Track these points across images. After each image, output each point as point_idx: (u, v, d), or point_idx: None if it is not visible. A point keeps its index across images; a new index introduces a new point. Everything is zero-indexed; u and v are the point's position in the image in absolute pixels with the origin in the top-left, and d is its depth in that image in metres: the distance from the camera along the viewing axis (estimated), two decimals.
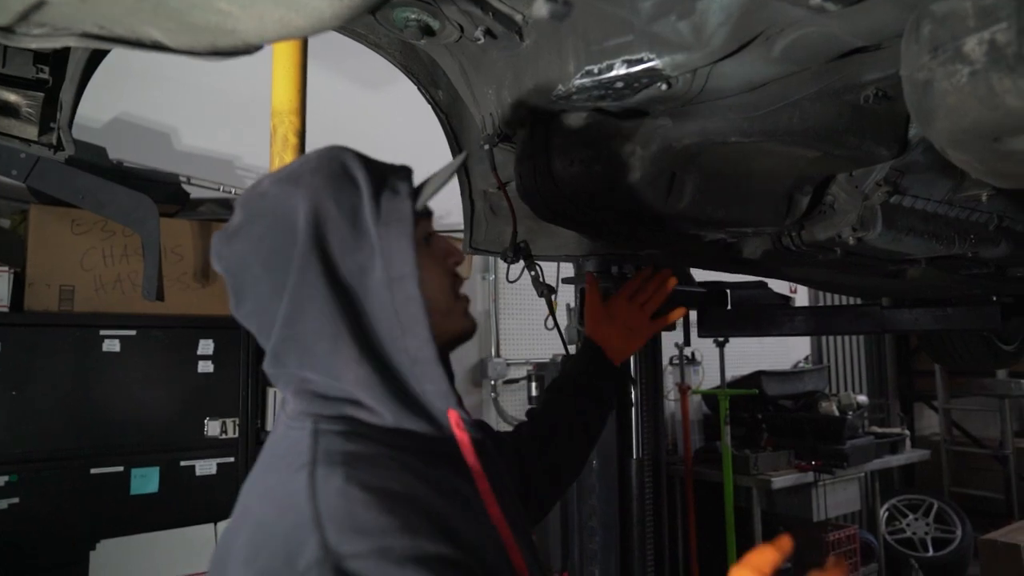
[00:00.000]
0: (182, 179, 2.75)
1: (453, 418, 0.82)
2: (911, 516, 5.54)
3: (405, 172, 0.89)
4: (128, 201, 1.57)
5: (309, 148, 1.25)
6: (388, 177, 0.85)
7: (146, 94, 3.21)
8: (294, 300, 0.78)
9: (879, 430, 5.26)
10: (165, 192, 2.55)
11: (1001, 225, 1.79)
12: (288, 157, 1.22)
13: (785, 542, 0.78)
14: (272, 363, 0.84)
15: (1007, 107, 0.81)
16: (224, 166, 3.34)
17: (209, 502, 2.71)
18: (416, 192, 0.86)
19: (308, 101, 1.32)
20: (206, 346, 2.81)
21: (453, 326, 0.89)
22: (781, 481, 4.21)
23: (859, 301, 2.85)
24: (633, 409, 3.17)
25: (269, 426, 2.88)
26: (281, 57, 1.22)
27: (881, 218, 1.52)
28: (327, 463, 0.73)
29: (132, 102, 3.18)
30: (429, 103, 1.75)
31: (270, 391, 2.89)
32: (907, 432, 5.29)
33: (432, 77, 1.71)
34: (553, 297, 1.56)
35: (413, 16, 1.22)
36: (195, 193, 2.92)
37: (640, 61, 1.09)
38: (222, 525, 2.51)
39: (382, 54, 1.61)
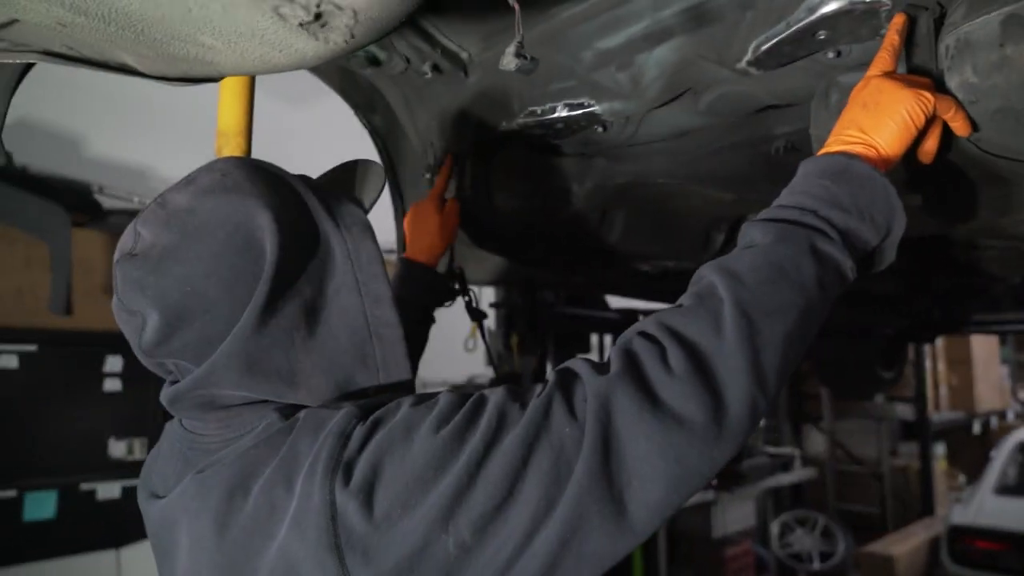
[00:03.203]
0: (94, 188, 2.64)
1: None
2: (800, 531, 5.88)
3: (312, 179, 0.87)
4: (38, 210, 1.50)
5: None
6: (311, 183, 0.84)
7: (52, 96, 3.05)
8: (259, 313, 0.72)
9: (772, 450, 5.58)
10: (75, 201, 2.43)
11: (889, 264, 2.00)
12: None
13: None
14: (216, 381, 0.75)
15: (902, 170, 0.94)
16: (136, 176, 3.22)
17: (111, 527, 2.57)
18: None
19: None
20: (114, 363, 2.68)
21: None
22: None
23: None
24: None
25: None
26: (229, 78, 1.22)
27: None
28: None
29: (36, 103, 3.02)
30: (366, 127, 1.78)
31: None
32: (797, 451, 5.65)
33: (370, 102, 1.74)
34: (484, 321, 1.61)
35: None
36: (106, 203, 2.81)
37: (581, 106, 1.18)
38: (125, 552, 2.40)
39: (320, 77, 1.63)
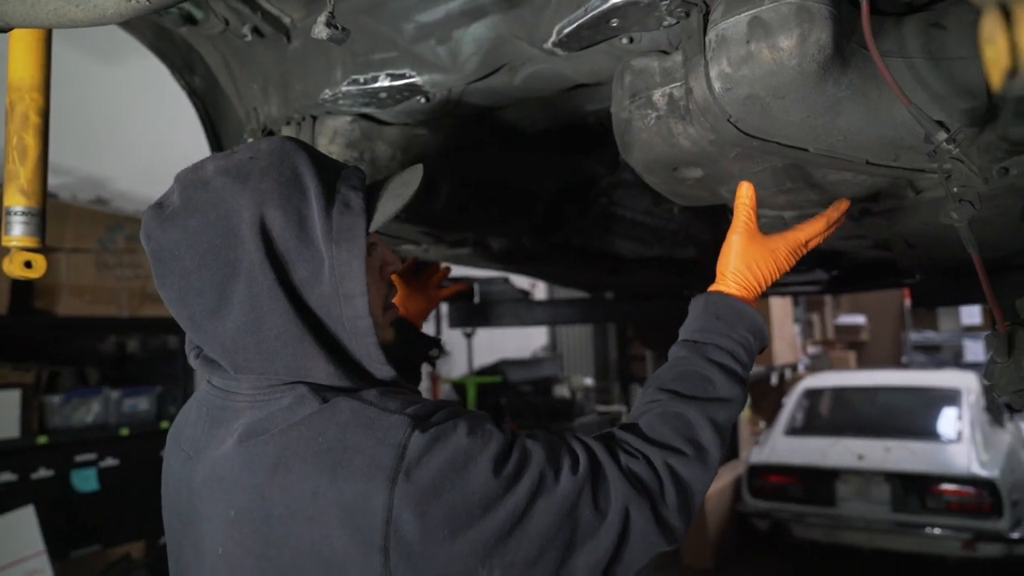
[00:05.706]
0: None
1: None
2: None
3: (358, 179, 0.88)
4: None
5: (53, 128, 1.17)
6: (340, 186, 0.85)
7: None
8: (253, 308, 0.78)
9: (603, 408, 6.00)
10: None
11: (688, 232, 2.23)
12: (29, 138, 1.13)
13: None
14: (231, 366, 0.82)
15: (680, 146, 1.07)
16: None
17: None
18: (369, 205, 0.85)
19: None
20: None
21: (380, 338, 0.89)
22: None
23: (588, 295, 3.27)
24: None
25: None
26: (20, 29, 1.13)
27: (599, 224, 1.82)
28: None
29: None
30: (184, 89, 1.70)
31: None
32: (625, 409, 6.11)
33: (187, 62, 1.66)
34: None
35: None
36: None
37: (403, 76, 1.22)
38: None
39: (130, 32, 1.54)
